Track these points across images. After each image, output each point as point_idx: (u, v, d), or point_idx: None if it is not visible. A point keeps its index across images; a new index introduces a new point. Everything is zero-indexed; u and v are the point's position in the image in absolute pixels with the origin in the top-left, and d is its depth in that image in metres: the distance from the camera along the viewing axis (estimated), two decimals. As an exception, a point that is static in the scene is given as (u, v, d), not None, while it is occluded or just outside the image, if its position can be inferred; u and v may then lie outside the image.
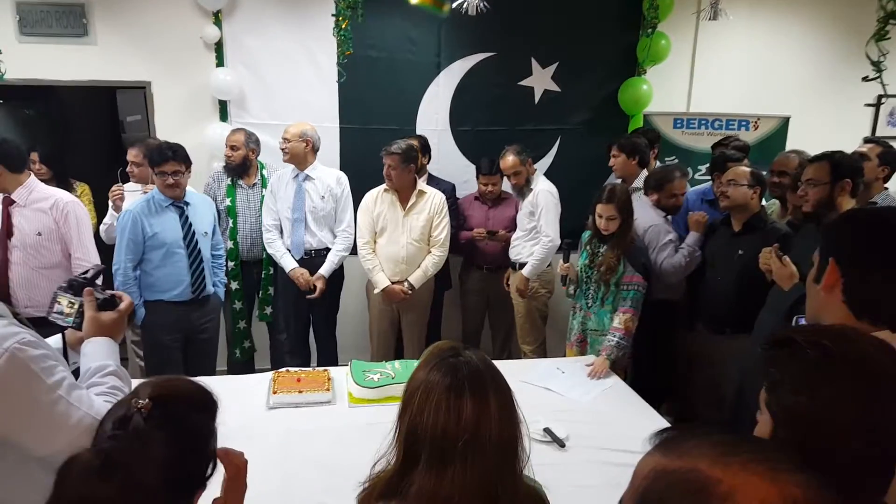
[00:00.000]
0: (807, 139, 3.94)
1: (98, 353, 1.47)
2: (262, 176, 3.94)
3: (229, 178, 3.89)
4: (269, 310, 4.08)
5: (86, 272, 1.59)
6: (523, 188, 3.79)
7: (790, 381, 0.92)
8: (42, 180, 3.73)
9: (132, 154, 3.67)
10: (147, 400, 1.03)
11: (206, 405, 1.13)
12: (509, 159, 3.72)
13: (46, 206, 2.95)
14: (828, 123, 4.80)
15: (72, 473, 1.00)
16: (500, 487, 1.07)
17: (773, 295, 2.47)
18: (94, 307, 1.50)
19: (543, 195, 3.71)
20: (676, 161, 4.56)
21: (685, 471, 0.62)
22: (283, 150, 3.69)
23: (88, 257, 3.04)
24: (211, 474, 1.12)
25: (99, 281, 1.58)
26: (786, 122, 4.67)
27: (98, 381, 1.43)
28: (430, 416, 1.07)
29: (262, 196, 3.87)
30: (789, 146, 4.29)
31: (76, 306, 1.52)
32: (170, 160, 3.11)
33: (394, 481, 1.12)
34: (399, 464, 1.13)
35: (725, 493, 0.58)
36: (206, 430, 1.11)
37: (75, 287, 1.54)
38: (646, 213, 3.34)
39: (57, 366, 1.35)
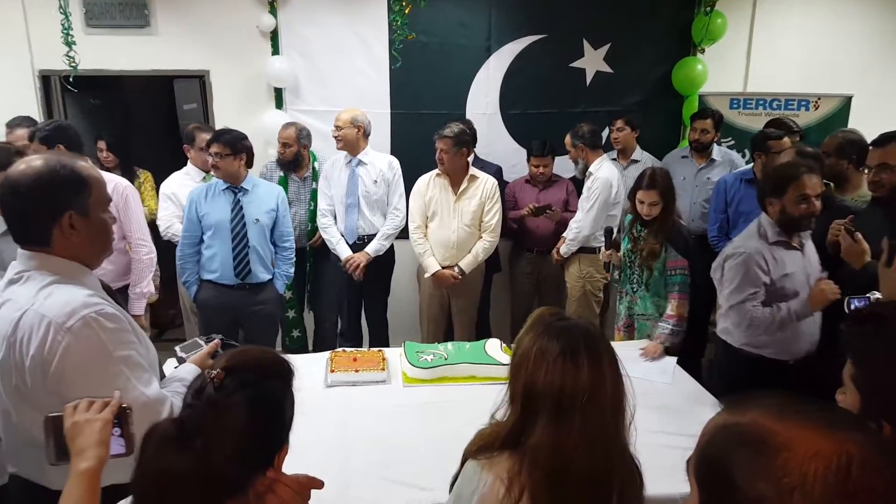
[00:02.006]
0: (871, 119, 3.77)
1: (191, 373, 1.62)
2: (313, 169, 4.00)
3: (281, 171, 3.97)
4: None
5: (233, 342, 1.83)
6: (585, 170, 3.83)
7: (878, 355, 0.92)
8: (109, 168, 3.92)
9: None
10: (219, 370, 1.05)
11: (279, 372, 1.13)
12: (566, 138, 3.92)
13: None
14: (894, 102, 4.60)
15: (152, 444, 1.01)
16: (613, 444, 1.19)
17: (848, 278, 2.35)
18: (209, 353, 1.73)
19: (599, 182, 3.70)
20: (733, 143, 4.45)
21: (745, 424, 0.65)
22: (335, 137, 3.74)
23: (144, 237, 3.17)
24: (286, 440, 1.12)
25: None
26: (848, 101, 4.48)
27: (176, 385, 1.55)
28: (548, 376, 1.18)
29: (313, 188, 3.95)
30: (852, 126, 4.12)
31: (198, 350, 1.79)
32: (216, 141, 3.18)
33: (514, 432, 1.22)
34: (518, 417, 1.23)
35: (782, 443, 0.60)
36: (280, 395, 1.11)
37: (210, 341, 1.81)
38: (745, 238, 2.57)
39: (132, 343, 1.43)
